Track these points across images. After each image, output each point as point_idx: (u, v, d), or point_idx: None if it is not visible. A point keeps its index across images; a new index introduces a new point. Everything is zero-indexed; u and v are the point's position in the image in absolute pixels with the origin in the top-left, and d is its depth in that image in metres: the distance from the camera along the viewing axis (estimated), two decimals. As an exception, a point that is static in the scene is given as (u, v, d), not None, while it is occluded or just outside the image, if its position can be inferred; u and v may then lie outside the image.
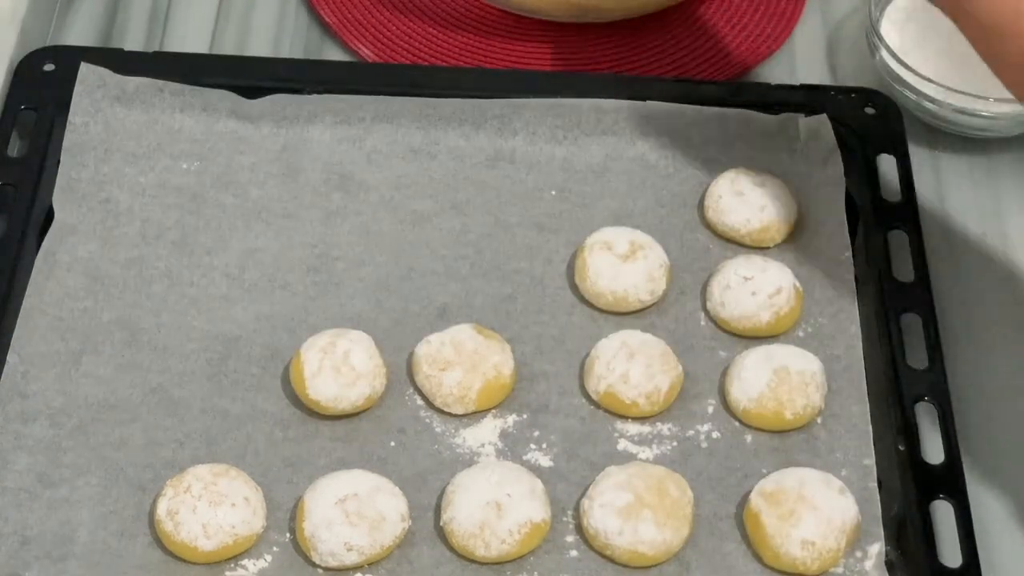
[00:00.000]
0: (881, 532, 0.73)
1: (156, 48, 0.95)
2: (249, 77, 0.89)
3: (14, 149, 0.85)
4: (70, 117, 0.85)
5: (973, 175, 0.90)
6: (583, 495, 0.73)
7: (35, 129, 0.85)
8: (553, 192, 0.86)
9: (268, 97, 0.87)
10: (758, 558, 0.72)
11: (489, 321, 0.80)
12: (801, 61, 0.96)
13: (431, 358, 0.76)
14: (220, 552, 0.70)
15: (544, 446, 0.76)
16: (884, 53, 0.90)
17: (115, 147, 0.86)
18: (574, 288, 0.82)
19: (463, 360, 0.76)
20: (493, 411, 0.77)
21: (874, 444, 0.76)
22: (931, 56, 0.90)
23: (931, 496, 0.73)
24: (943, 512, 0.73)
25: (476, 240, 0.84)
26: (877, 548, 0.72)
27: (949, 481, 0.74)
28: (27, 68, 0.88)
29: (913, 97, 0.89)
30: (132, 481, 0.73)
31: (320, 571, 0.71)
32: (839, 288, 0.82)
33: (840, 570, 0.72)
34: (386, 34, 0.96)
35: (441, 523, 0.72)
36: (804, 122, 0.88)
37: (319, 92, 0.87)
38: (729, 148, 0.88)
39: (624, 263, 0.80)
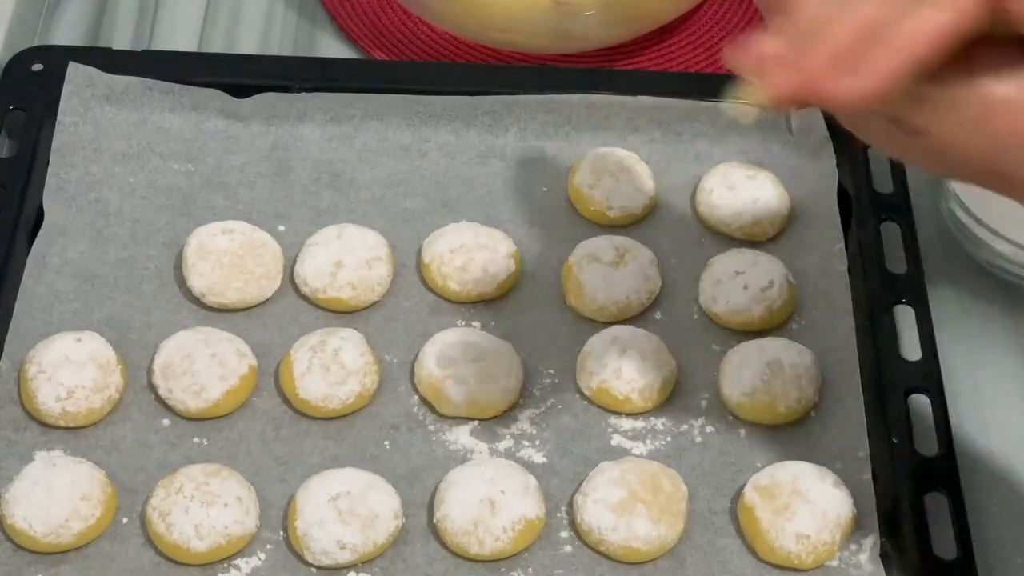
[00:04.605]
0: (876, 525, 0.73)
1: (144, 47, 0.95)
2: (238, 75, 0.88)
3: (3, 149, 0.85)
4: (59, 117, 0.85)
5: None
6: (577, 491, 0.73)
7: (24, 129, 0.85)
8: (544, 188, 0.86)
9: (257, 96, 0.87)
10: (753, 552, 0.72)
11: (482, 317, 0.80)
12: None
13: (442, 363, 0.76)
14: (213, 553, 0.70)
15: (537, 442, 0.76)
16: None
17: (104, 147, 0.85)
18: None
19: (471, 375, 0.75)
20: (486, 408, 0.77)
21: (868, 436, 0.76)
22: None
23: (925, 488, 0.73)
24: (937, 504, 0.73)
25: (467, 237, 0.84)
26: (872, 540, 0.72)
27: (943, 473, 0.74)
28: (15, 68, 0.88)
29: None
30: (124, 482, 0.73)
31: (314, 570, 0.71)
32: (832, 280, 0.82)
33: (835, 563, 0.72)
34: (392, 32, 0.96)
35: (435, 520, 0.72)
36: (796, 115, 0.87)
37: (308, 90, 0.87)
38: (721, 141, 0.87)
39: (617, 270, 0.80)
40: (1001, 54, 0.49)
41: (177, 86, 0.87)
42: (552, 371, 0.79)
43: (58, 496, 0.70)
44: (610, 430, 0.77)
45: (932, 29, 0.47)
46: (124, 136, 0.86)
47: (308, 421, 0.76)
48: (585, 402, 0.77)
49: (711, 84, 0.90)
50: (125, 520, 0.72)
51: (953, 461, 0.74)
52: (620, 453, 0.75)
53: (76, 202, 0.83)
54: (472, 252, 0.80)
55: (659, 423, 0.77)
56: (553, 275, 0.82)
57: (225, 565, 0.71)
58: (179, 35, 0.96)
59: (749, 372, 0.76)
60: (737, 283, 0.80)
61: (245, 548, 0.71)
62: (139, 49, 0.94)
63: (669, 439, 0.76)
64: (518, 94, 0.87)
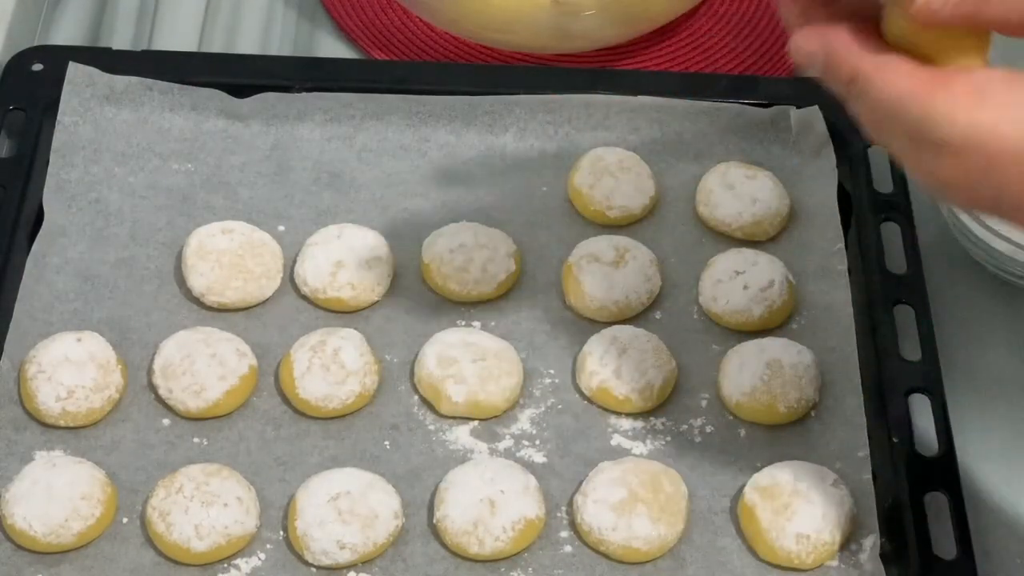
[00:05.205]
0: (876, 524, 0.73)
1: (144, 47, 0.95)
2: (238, 75, 0.88)
3: (3, 150, 0.85)
4: (59, 117, 0.85)
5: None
6: (577, 491, 0.73)
7: (24, 129, 0.85)
8: (544, 188, 0.86)
9: (257, 96, 0.87)
10: (753, 552, 0.72)
11: (482, 317, 0.80)
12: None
13: (442, 363, 0.76)
14: (213, 553, 0.70)
15: (537, 442, 0.76)
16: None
17: (104, 147, 0.85)
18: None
19: (471, 375, 0.75)
20: (486, 408, 0.77)
21: (868, 436, 0.76)
22: None
23: (925, 488, 0.73)
24: (937, 504, 0.73)
25: (467, 237, 0.84)
26: (872, 540, 0.72)
27: (943, 473, 0.74)
28: (15, 68, 0.88)
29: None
30: (124, 482, 0.73)
31: (313, 570, 0.71)
32: (832, 280, 0.82)
33: (835, 563, 0.72)
34: (392, 32, 0.96)
35: (435, 520, 0.72)
36: (796, 114, 0.87)
37: (308, 90, 0.87)
38: (720, 141, 0.88)
39: (617, 270, 0.80)
40: (1005, 82, 0.51)
41: (177, 86, 0.87)
42: (552, 371, 0.79)
43: (58, 496, 0.70)
44: (610, 430, 0.77)
45: None
46: (124, 136, 0.86)
47: (308, 421, 0.76)
48: (585, 402, 0.77)
49: (711, 84, 0.90)
50: (125, 520, 0.72)
51: (953, 461, 0.74)
52: (620, 453, 0.75)
53: (76, 202, 0.83)
54: (472, 252, 0.80)
55: (659, 423, 0.77)
56: (553, 275, 0.82)
57: (225, 565, 0.71)
58: (179, 35, 0.96)
59: (749, 372, 0.76)
60: (737, 283, 0.80)
61: (245, 548, 0.71)
62: (139, 49, 0.94)
63: (669, 439, 0.76)
64: (518, 94, 0.87)
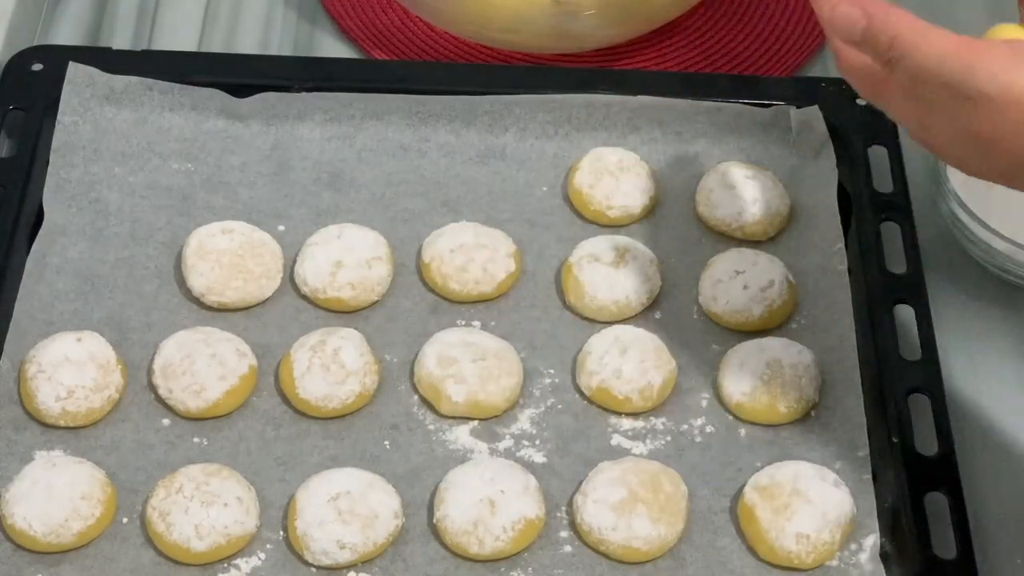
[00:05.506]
0: (876, 524, 0.73)
1: (144, 47, 0.95)
2: (238, 75, 0.89)
3: (3, 149, 0.85)
4: (59, 117, 0.85)
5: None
6: (576, 491, 0.73)
7: (24, 129, 0.85)
8: (544, 188, 0.86)
9: (257, 96, 0.87)
10: (753, 552, 0.72)
11: (482, 317, 0.80)
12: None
13: (442, 363, 0.76)
14: (213, 552, 0.70)
15: (537, 442, 0.76)
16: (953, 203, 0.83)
17: (104, 147, 0.85)
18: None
19: (471, 375, 0.75)
20: (486, 408, 0.77)
21: (868, 436, 0.76)
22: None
23: (925, 488, 0.73)
24: (937, 504, 0.73)
25: (467, 237, 0.84)
26: (872, 540, 0.72)
27: (943, 473, 0.74)
28: (15, 68, 0.88)
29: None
30: (124, 482, 0.73)
31: (313, 570, 0.71)
32: (832, 280, 0.82)
33: (835, 563, 0.72)
34: (392, 32, 0.96)
35: (435, 520, 0.72)
36: (796, 114, 0.87)
37: (309, 90, 0.87)
38: (721, 141, 0.88)
39: (617, 270, 0.80)
40: None
41: (177, 86, 0.87)
42: (552, 371, 0.79)
43: (58, 496, 0.70)
44: (610, 430, 0.77)
45: None
46: (124, 136, 0.86)
47: (308, 421, 0.76)
48: (585, 402, 0.77)
49: (711, 84, 0.90)
50: (125, 520, 0.72)
51: (953, 461, 0.74)
52: (620, 453, 0.75)
53: (76, 202, 0.83)
54: (472, 252, 0.80)
55: (659, 423, 0.77)
56: (553, 275, 0.82)
57: (225, 565, 0.71)
58: (179, 35, 0.96)
59: (749, 372, 0.76)
60: (737, 283, 0.80)
61: (245, 548, 0.71)
62: (139, 49, 0.94)
63: (669, 439, 0.76)
64: (518, 94, 0.87)
